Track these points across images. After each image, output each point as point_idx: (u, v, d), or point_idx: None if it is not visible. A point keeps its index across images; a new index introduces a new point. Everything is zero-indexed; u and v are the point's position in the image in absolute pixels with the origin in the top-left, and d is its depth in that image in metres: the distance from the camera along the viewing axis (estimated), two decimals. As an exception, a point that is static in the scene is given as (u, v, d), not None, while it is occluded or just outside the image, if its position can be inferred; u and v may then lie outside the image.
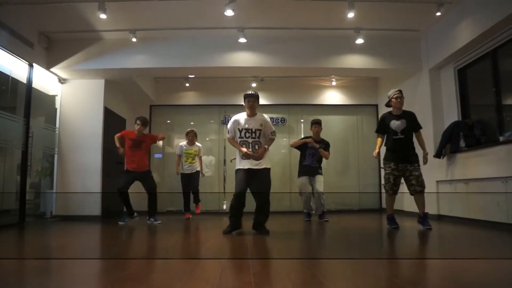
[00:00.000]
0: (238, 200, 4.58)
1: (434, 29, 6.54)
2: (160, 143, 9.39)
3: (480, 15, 5.34)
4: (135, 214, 6.29)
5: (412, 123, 5.01)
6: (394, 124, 4.98)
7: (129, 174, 6.08)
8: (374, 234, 4.99)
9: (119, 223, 6.01)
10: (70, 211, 6.84)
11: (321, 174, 6.37)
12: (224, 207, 7.35)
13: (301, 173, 6.42)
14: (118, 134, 6.20)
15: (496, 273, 2.62)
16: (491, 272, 2.65)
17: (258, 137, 4.62)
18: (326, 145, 6.44)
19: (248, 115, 4.65)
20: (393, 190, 4.99)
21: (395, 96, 5.00)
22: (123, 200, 6.07)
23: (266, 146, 4.63)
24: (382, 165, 5.25)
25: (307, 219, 6.43)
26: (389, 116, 5.08)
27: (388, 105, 5.16)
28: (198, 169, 7.08)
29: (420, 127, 5.09)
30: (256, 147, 4.59)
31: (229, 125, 4.75)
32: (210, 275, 2.53)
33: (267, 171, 4.64)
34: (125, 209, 6.17)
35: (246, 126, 4.60)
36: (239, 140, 4.63)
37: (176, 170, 7.09)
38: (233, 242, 3.98)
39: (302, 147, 6.44)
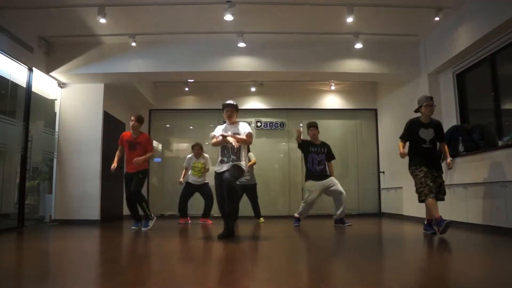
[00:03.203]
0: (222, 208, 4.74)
1: (433, 34, 6.57)
2: (159, 147, 9.40)
3: (479, 20, 5.37)
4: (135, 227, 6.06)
5: (439, 134, 4.93)
6: (423, 132, 4.87)
7: (127, 176, 5.89)
8: (373, 239, 4.98)
9: (132, 227, 5.85)
10: (69, 215, 6.83)
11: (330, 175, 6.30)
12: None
13: (311, 177, 6.22)
14: (118, 151, 5.94)
15: (496, 278, 2.61)
16: (490, 277, 2.65)
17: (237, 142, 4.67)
18: (328, 148, 6.36)
19: (229, 124, 4.91)
20: (433, 192, 4.69)
21: (425, 103, 4.87)
22: (130, 206, 5.87)
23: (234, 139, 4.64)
24: (410, 171, 4.95)
25: (297, 224, 6.24)
26: (418, 123, 4.92)
27: (417, 111, 5.02)
28: (207, 181, 7.06)
29: (445, 139, 5.04)
30: (235, 151, 4.67)
31: (213, 132, 4.95)
32: (209, 279, 2.52)
33: (235, 167, 4.66)
34: (139, 214, 5.94)
35: (227, 132, 4.77)
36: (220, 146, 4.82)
37: (181, 178, 7.05)
38: (232, 247, 3.97)
39: (305, 149, 6.28)
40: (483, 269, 2.89)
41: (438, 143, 5.03)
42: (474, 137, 5.73)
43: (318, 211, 8.95)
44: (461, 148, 5.90)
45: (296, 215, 6.35)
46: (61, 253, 3.88)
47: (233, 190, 4.51)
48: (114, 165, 5.80)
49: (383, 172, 8.78)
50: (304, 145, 6.29)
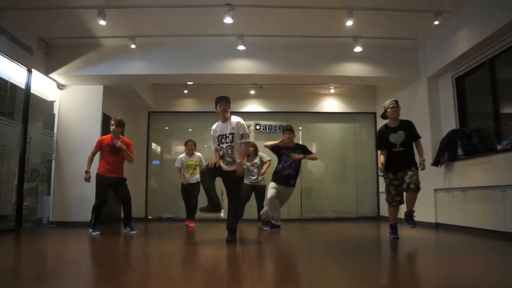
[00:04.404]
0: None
1: (432, 37, 6.58)
2: (158, 149, 9.38)
3: (478, 24, 5.38)
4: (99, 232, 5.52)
5: (410, 134, 4.84)
6: (393, 137, 4.81)
7: (105, 180, 5.47)
8: (372, 242, 4.97)
9: (92, 232, 5.46)
10: (67, 217, 6.80)
11: (293, 186, 6.06)
12: (222, 215, 7.31)
13: (275, 180, 6.03)
14: (91, 153, 5.62)
15: (494, 280, 2.61)
16: (488, 280, 2.64)
17: (231, 141, 4.53)
18: (303, 149, 6.11)
19: (222, 121, 4.64)
20: (395, 201, 4.79)
21: (390, 106, 4.82)
22: (95, 210, 5.49)
23: (239, 161, 4.45)
24: (381, 175, 5.08)
25: (267, 227, 6.00)
26: (386, 130, 4.89)
27: (384, 116, 4.97)
28: (199, 179, 7.00)
29: (419, 137, 4.89)
30: (229, 151, 4.52)
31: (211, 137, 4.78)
32: (208, 282, 2.51)
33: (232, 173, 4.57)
34: (92, 220, 5.52)
35: (220, 132, 4.61)
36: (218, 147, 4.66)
37: (182, 181, 6.96)
38: (231, 249, 3.96)
39: (277, 151, 6.06)
40: (481, 272, 2.88)
41: (413, 143, 4.88)
42: (473, 141, 5.74)
43: (317, 214, 8.96)
44: (460, 152, 5.91)
45: (263, 220, 6.15)
46: (59, 255, 3.87)
47: (240, 197, 4.67)
48: (89, 174, 5.47)
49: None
50: (276, 148, 6.08)
